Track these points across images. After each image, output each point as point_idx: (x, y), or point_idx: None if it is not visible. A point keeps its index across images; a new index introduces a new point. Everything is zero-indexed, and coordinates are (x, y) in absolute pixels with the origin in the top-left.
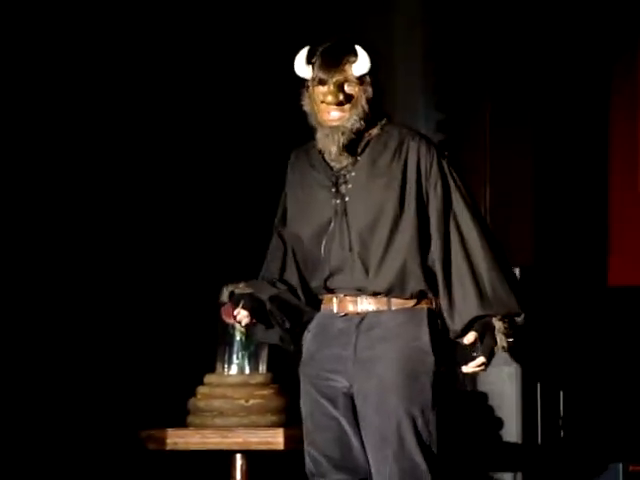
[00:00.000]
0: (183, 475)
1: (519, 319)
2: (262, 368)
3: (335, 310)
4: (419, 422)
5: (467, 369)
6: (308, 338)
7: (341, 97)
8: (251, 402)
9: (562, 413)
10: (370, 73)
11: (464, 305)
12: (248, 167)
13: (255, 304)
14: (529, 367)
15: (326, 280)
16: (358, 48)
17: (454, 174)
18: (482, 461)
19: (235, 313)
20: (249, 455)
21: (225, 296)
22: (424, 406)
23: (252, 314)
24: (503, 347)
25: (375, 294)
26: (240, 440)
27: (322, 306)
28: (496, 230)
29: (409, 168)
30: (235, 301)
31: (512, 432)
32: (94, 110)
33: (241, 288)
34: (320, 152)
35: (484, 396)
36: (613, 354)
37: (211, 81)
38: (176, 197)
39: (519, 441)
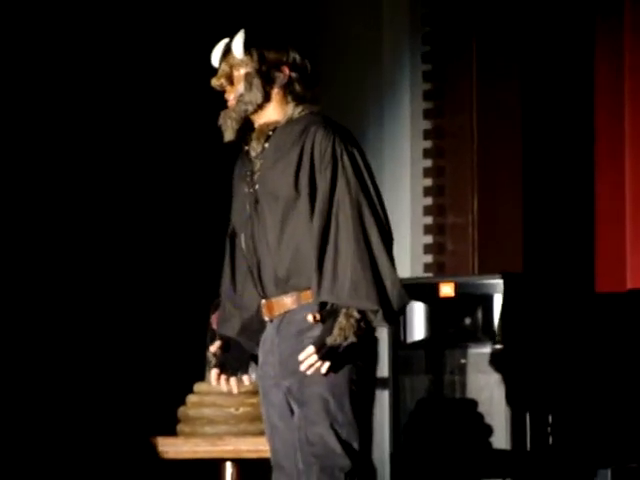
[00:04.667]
0: None
1: (375, 318)
2: (253, 376)
3: (264, 317)
4: (332, 406)
5: (303, 366)
6: (259, 348)
7: (222, 81)
8: (241, 410)
9: (551, 420)
10: (254, 57)
11: (320, 288)
12: None
13: (226, 343)
14: (518, 374)
15: (258, 274)
16: (240, 33)
17: (347, 160)
18: (471, 468)
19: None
20: (239, 463)
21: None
22: (337, 390)
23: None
24: (334, 340)
25: (284, 286)
26: (230, 448)
27: None
28: (483, 238)
29: (304, 153)
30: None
31: (501, 439)
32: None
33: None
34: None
35: (473, 403)
36: (601, 360)
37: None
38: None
39: (508, 448)
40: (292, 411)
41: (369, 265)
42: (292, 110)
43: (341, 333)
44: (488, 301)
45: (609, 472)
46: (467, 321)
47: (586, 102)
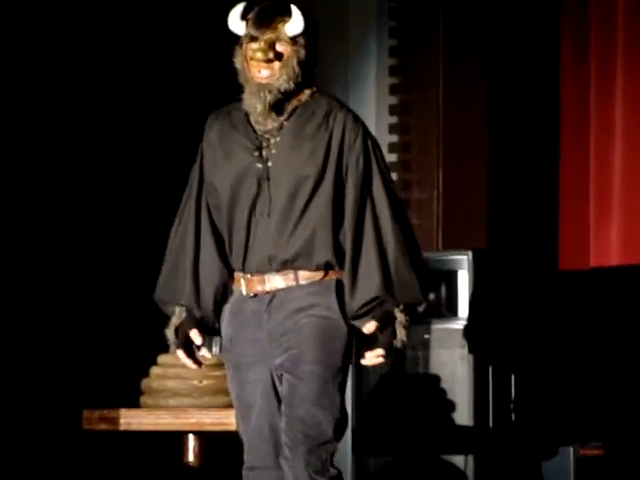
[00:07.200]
0: (136, 456)
1: (420, 308)
2: (215, 349)
3: (244, 292)
4: (330, 387)
5: (366, 361)
6: (224, 322)
7: (271, 55)
8: (204, 383)
9: (514, 396)
10: (305, 35)
11: (367, 283)
12: None
13: (195, 324)
14: (481, 350)
15: (244, 249)
16: (294, 8)
17: (377, 154)
18: (433, 444)
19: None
20: (202, 436)
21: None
22: (334, 372)
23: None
24: (402, 341)
25: (283, 265)
26: (193, 421)
27: (233, 286)
28: (448, 214)
29: (334, 139)
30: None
31: (464, 415)
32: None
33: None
34: (245, 114)
35: (436, 379)
36: (564, 337)
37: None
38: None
39: (470, 424)
40: (275, 389)
41: (411, 259)
42: (309, 90)
43: (403, 331)
44: (452, 277)
45: (571, 450)
46: (431, 296)
47: (552, 80)
